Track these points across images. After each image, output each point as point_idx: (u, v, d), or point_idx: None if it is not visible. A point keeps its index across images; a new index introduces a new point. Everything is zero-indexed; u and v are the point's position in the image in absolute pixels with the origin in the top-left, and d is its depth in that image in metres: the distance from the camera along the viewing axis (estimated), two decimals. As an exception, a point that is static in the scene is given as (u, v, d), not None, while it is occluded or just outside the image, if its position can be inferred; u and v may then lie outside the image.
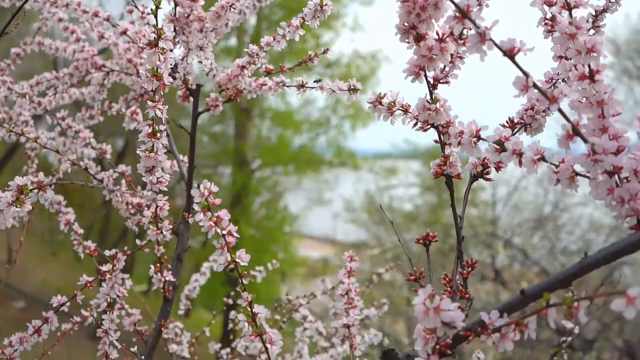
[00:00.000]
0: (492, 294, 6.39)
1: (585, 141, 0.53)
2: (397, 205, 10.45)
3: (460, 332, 0.56)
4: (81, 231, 1.13)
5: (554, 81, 0.72)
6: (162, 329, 1.02)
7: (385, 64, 11.16)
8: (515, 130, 0.72)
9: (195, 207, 0.64)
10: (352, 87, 0.86)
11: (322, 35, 11.47)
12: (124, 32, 1.10)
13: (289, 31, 0.92)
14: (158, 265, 1.00)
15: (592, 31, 0.75)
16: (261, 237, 11.28)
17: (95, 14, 1.13)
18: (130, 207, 1.06)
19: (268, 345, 0.67)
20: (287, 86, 1.00)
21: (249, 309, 0.67)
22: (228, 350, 1.39)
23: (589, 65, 0.56)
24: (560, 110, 0.53)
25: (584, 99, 0.57)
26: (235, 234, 0.65)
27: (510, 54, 0.53)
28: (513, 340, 0.53)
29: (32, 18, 1.74)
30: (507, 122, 0.72)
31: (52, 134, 1.25)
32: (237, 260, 0.66)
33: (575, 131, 0.53)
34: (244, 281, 0.66)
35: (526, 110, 0.71)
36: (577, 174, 0.57)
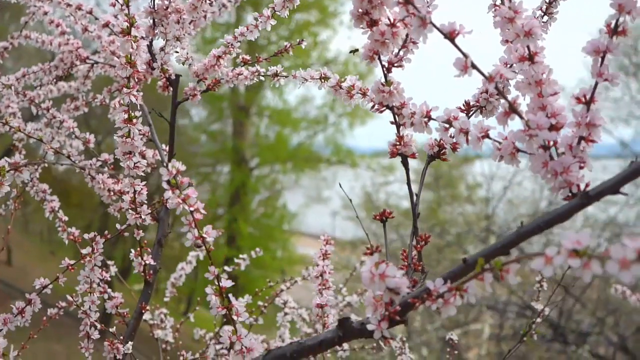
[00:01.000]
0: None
1: (522, 117, 0.56)
2: (394, 202, 10.48)
3: (408, 299, 0.60)
4: (66, 218, 1.17)
5: (508, 65, 0.75)
6: (143, 311, 1.06)
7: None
8: (471, 112, 0.75)
9: (164, 185, 0.67)
10: (323, 75, 0.89)
11: (320, 34, 11.51)
12: (106, 25, 1.13)
13: (261, 21, 0.96)
14: (138, 249, 1.03)
15: (545, 17, 0.78)
16: (260, 235, 11.30)
17: (79, 7, 1.16)
18: (112, 194, 1.09)
19: (234, 317, 0.70)
20: (263, 75, 1.04)
21: (217, 283, 0.71)
22: (211, 334, 1.43)
23: (528, 47, 0.59)
24: (497, 89, 0.56)
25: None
26: (203, 211, 0.68)
27: (450, 36, 0.56)
28: (455, 305, 0.57)
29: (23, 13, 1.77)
30: (463, 105, 0.75)
31: (39, 125, 1.29)
32: (204, 235, 0.69)
33: (512, 108, 0.57)
34: (210, 255, 0.70)
35: (481, 93, 0.74)
36: (518, 149, 0.60)
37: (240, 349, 0.70)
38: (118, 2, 1.04)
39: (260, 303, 1.38)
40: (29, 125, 1.22)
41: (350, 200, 1.01)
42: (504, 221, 6.60)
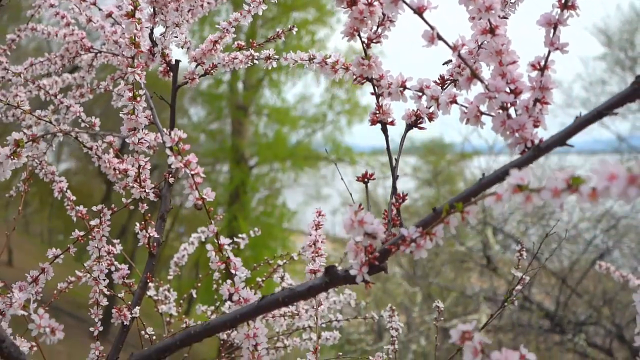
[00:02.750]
0: (484, 280, 6.52)
1: (482, 82, 0.64)
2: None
3: (386, 246, 0.67)
4: (74, 198, 1.24)
5: (479, 42, 0.83)
6: (148, 281, 1.13)
7: (381, 58, 11.19)
8: (446, 85, 0.83)
9: (167, 151, 0.75)
10: (311, 57, 0.97)
11: (318, 32, 11.58)
12: (109, 15, 1.20)
13: (253, 6, 1.04)
14: (143, 222, 1.11)
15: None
16: (260, 234, 11.38)
17: (83, -1, 1.24)
18: (117, 172, 1.17)
19: (233, 271, 0.78)
20: (256, 59, 1.11)
21: (216, 240, 0.79)
22: (212, 308, 1.51)
23: (489, 21, 0.67)
24: (460, 56, 0.64)
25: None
26: (202, 175, 0.76)
27: (419, 11, 0.64)
28: (426, 248, 0.64)
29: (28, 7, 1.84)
30: (438, 78, 0.83)
31: (46, 113, 1.36)
32: (204, 196, 0.77)
33: (473, 74, 0.64)
34: (210, 215, 0.77)
35: (455, 67, 0.82)
36: (482, 112, 0.68)
37: (238, 299, 0.77)
38: (121, -8, 1.11)
39: (258, 279, 1.45)
40: (36, 112, 1.29)
41: (351, 194, 1.07)
42: (500, 213, 6.67)
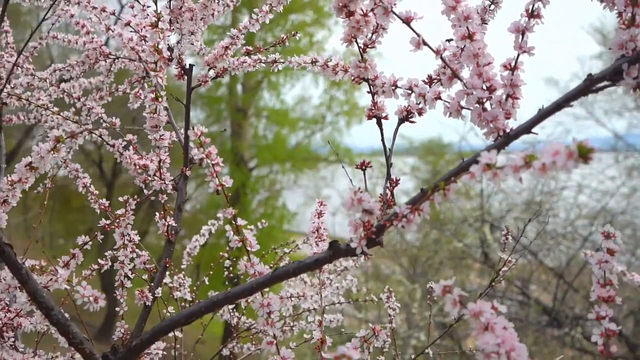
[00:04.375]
0: (484, 278, 6.63)
1: (461, 80, 0.75)
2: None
3: (381, 222, 0.78)
4: (97, 192, 1.35)
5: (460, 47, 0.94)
6: (167, 265, 1.24)
7: (378, 60, 11.35)
8: (433, 83, 0.94)
9: (191, 144, 0.86)
10: (313, 59, 1.08)
11: (315, 34, 11.70)
12: (128, 24, 1.32)
13: (260, 16, 1.15)
14: (162, 212, 1.22)
15: (492, 6, 0.97)
16: (260, 235, 11.48)
17: (103, 10, 1.35)
18: (137, 167, 1.28)
19: (248, 248, 0.89)
20: (264, 62, 1.23)
21: (234, 222, 0.90)
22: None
23: (467, 28, 0.78)
24: (442, 59, 0.75)
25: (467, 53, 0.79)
26: (221, 164, 0.87)
27: (407, 21, 0.75)
28: (416, 223, 0.75)
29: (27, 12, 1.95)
30: (426, 78, 0.94)
31: (68, 114, 1.47)
32: (224, 183, 0.88)
33: (454, 74, 0.76)
34: (227, 199, 0.89)
35: (440, 68, 0.93)
36: (462, 107, 0.79)
37: (254, 273, 0.89)
38: (139, 2, 1.23)
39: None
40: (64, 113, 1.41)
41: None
42: (497, 211, 6.79)
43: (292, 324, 1.51)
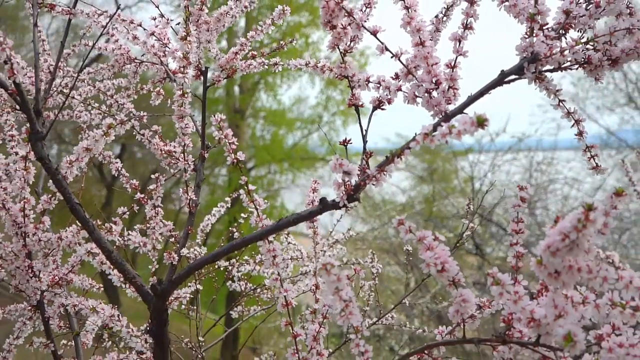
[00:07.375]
0: (475, 267, 6.91)
1: (414, 76, 1.03)
2: (390, 198, 10.92)
3: (358, 182, 1.06)
4: (127, 174, 1.63)
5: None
6: (189, 232, 1.51)
7: (374, 60, 11.67)
8: (399, 79, 1.21)
9: (212, 127, 1.13)
10: (307, 62, 1.35)
11: (311, 35, 11.98)
12: (152, 34, 1.59)
13: (265, 27, 1.43)
14: (185, 188, 1.49)
15: (445, 18, 1.25)
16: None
17: (131, 21, 1.62)
18: (162, 152, 1.55)
19: (258, 207, 1.17)
20: (267, 65, 1.50)
21: (246, 187, 1.17)
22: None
23: (419, 38, 1.06)
24: (400, 61, 1.03)
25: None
26: (236, 142, 1.15)
27: (374, 33, 1.03)
28: (383, 181, 1.02)
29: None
30: (394, 74, 1.22)
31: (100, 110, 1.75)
32: (238, 157, 1.15)
33: (409, 71, 1.03)
34: (242, 171, 1.16)
35: (402, 68, 1.20)
36: (416, 95, 1.07)
37: (262, 226, 1.16)
38: (163, 16, 1.51)
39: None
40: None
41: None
42: (489, 204, 7.07)
43: (292, 285, 1.79)
